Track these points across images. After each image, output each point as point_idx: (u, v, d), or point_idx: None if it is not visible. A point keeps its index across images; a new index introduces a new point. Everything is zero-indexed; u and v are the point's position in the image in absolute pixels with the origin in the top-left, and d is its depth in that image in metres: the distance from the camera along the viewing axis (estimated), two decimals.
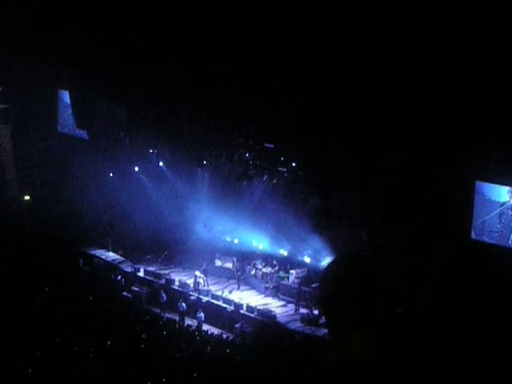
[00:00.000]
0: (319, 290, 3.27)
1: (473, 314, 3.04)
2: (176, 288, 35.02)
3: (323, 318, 3.21)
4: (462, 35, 22.40)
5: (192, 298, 33.86)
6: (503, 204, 28.52)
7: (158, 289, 34.81)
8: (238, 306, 32.38)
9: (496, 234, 28.48)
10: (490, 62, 22.58)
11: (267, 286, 34.85)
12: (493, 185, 28.21)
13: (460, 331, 3.05)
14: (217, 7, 26.98)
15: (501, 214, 28.58)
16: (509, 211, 28.46)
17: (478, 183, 28.32)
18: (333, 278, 3.12)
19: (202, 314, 32.06)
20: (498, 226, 28.65)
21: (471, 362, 3.04)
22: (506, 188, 28.17)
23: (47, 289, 31.54)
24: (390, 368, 3.02)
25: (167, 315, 32.97)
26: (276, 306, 33.37)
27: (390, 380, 2.99)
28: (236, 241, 37.41)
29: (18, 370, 21.01)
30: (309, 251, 34.39)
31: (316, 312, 30.64)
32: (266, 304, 33.29)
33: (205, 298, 33.64)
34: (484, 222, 28.77)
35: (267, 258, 36.11)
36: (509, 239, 28.36)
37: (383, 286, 3.12)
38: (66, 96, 41.56)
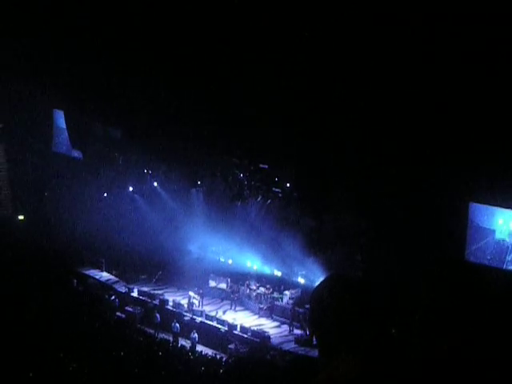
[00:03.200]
0: (309, 310, 3.25)
1: (468, 337, 3.03)
2: (170, 308, 34.89)
3: (314, 337, 3.20)
4: (449, 61, 22.56)
5: (186, 318, 33.72)
6: (494, 231, 27.78)
7: (152, 309, 34.68)
8: (232, 327, 32.25)
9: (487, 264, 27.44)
10: (481, 86, 22.69)
11: (261, 306, 34.76)
12: (485, 210, 27.54)
13: (455, 354, 3.04)
14: (212, 32, 27.11)
15: (492, 243, 27.78)
16: (500, 239, 27.73)
17: (472, 205, 27.97)
18: (323, 298, 3.12)
19: (196, 335, 31.90)
20: (489, 257, 27.76)
21: None
22: (499, 214, 27.50)
23: (40, 308, 31.39)
24: None
25: (161, 335, 32.82)
26: (270, 326, 33.27)
27: None
28: (230, 261, 37.42)
29: None
30: (303, 272, 34.41)
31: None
32: (260, 325, 33.17)
33: (199, 319, 33.49)
34: (474, 250, 27.87)
35: (261, 279, 36.06)
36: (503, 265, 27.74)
37: (375, 307, 3.12)
38: (60, 116, 41.60)
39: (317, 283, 3.27)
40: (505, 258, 27.64)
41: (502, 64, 21.97)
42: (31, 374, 22.54)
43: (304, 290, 33.87)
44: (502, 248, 27.73)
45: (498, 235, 27.80)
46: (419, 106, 24.47)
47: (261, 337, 31.31)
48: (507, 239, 27.72)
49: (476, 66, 22.32)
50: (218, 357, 30.34)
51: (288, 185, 33.42)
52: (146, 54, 30.06)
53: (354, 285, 3.13)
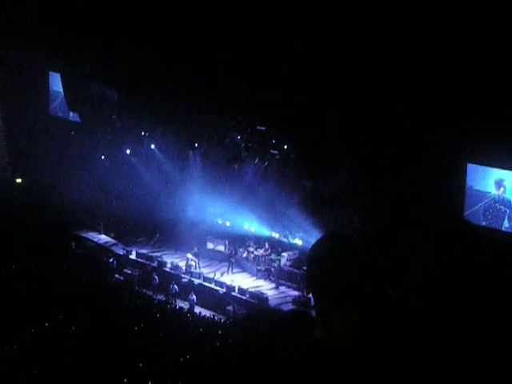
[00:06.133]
0: (307, 270, 3.25)
1: (465, 298, 3.03)
2: (168, 270, 35.05)
3: (311, 296, 3.19)
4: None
5: (184, 280, 33.88)
6: (488, 195, 26.88)
7: (151, 271, 34.82)
8: (230, 289, 32.41)
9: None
10: (478, 49, 22.58)
11: (259, 268, 34.90)
12: (481, 171, 26.79)
13: (451, 315, 3.04)
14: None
15: (486, 208, 26.90)
16: (496, 204, 26.76)
17: (468, 167, 27.20)
18: (319, 255, 3.12)
19: (194, 297, 32.10)
20: (484, 223, 26.71)
21: (461, 347, 3.03)
22: (493, 177, 26.69)
23: (39, 271, 31.53)
24: (374, 350, 3.02)
25: (159, 297, 32.99)
26: (268, 288, 33.43)
27: (374, 362, 2.99)
28: (228, 223, 37.45)
29: (8, 352, 21.12)
30: (300, 234, 34.45)
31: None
32: (257, 286, 33.34)
33: (197, 281, 33.66)
34: (469, 214, 26.83)
35: (259, 241, 36.16)
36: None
37: (372, 267, 3.11)
38: (57, 79, 41.34)
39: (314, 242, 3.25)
40: (501, 223, 26.88)
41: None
42: (29, 337, 22.71)
43: (302, 251, 33.96)
44: (498, 213, 26.96)
45: (494, 198, 26.92)
46: (417, 66, 24.36)
47: (259, 298, 31.49)
48: (504, 202, 26.84)
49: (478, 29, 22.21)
50: (216, 318, 30.57)
51: (285, 147, 33.32)
52: (143, 13, 29.82)
53: (352, 244, 3.12)
